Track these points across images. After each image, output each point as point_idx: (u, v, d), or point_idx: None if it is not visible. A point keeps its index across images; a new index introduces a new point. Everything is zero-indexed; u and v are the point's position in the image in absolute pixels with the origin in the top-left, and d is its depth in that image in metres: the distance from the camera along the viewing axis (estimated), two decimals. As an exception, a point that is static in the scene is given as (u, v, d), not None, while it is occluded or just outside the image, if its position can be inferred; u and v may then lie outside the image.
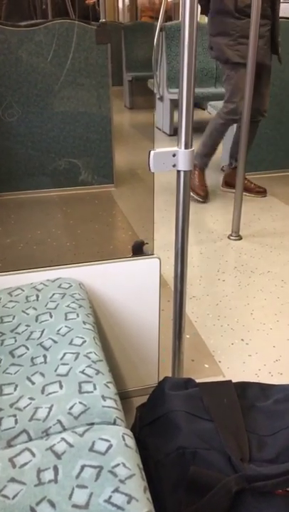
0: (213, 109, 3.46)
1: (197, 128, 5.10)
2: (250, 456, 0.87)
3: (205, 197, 2.80)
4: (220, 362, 1.46)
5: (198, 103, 4.74)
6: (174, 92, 4.18)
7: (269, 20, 2.41)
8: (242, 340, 1.58)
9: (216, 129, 2.67)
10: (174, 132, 4.42)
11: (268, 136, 3.11)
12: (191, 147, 1.10)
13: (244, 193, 2.74)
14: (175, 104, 4.19)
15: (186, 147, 1.10)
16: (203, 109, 4.42)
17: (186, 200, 1.14)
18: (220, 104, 3.37)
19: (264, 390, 1.06)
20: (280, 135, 3.15)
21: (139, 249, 1.18)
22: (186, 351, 1.47)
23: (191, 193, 2.76)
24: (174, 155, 1.10)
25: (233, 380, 1.13)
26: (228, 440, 0.87)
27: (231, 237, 2.35)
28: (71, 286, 1.04)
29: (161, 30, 3.90)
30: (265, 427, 0.96)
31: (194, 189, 2.78)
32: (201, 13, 2.62)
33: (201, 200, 2.78)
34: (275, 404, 1.01)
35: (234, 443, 0.87)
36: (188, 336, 1.58)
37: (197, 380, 1.13)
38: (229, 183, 2.87)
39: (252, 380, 1.18)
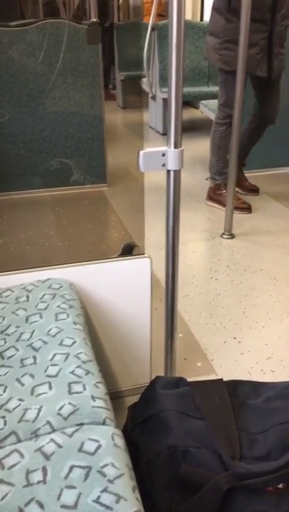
0: (206, 108, 3.46)
1: (191, 127, 5.10)
2: (241, 454, 0.87)
3: (249, 208, 2.63)
4: (212, 360, 1.47)
5: (191, 102, 4.75)
6: (167, 92, 4.19)
7: (267, 27, 2.22)
8: (234, 338, 1.58)
9: (221, 138, 2.52)
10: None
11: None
12: (181, 146, 1.10)
13: (238, 190, 2.75)
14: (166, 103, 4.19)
15: (175, 146, 1.11)
16: (196, 108, 4.41)
17: (176, 199, 1.15)
18: (212, 102, 3.38)
19: (255, 387, 1.07)
20: (273, 134, 3.15)
21: (128, 252, 1.18)
22: (179, 350, 1.47)
23: (235, 211, 2.45)
24: (163, 154, 1.11)
25: (226, 379, 1.14)
26: (219, 438, 0.87)
27: (224, 236, 2.36)
28: (61, 286, 1.04)
29: (153, 29, 3.90)
30: (255, 425, 0.96)
31: (237, 207, 2.51)
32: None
33: (248, 212, 2.62)
34: (266, 401, 1.02)
35: (225, 441, 0.87)
36: (180, 335, 1.58)
37: (189, 379, 1.14)
38: (213, 198, 2.72)
39: (244, 378, 1.18)
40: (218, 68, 2.39)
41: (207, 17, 5.80)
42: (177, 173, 1.12)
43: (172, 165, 1.11)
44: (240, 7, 1.94)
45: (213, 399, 0.98)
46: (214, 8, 2.30)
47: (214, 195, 2.70)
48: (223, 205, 2.49)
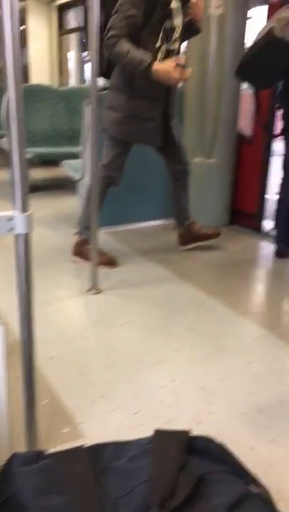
0: (67, 167, 3.55)
1: (55, 185, 5.14)
2: (104, 524, 0.84)
3: (114, 262, 2.70)
4: (80, 424, 1.42)
5: (56, 161, 4.84)
6: (27, 151, 4.22)
7: (162, 103, 2.48)
8: (103, 396, 1.56)
9: (98, 196, 2.50)
10: (31, 190, 4.42)
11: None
12: (28, 210, 1.10)
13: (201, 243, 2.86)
14: (29, 162, 4.21)
15: (23, 211, 1.10)
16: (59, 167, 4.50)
17: (28, 264, 1.13)
18: (72, 162, 3.49)
19: (118, 448, 1.05)
20: (134, 190, 3.31)
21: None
22: (44, 418, 1.41)
23: (102, 267, 2.51)
24: (10, 219, 1.09)
25: (95, 441, 1.10)
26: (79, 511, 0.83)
27: (91, 292, 2.37)
28: None
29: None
30: (119, 488, 0.94)
31: (101, 264, 2.53)
32: (106, 78, 2.60)
33: (113, 267, 2.67)
34: (130, 461, 1.01)
35: (85, 514, 0.83)
36: (46, 401, 1.51)
37: (55, 448, 1.09)
38: (187, 240, 2.91)
39: (113, 437, 1.16)
40: (110, 135, 2.54)
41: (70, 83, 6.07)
42: (26, 236, 1.11)
43: (21, 229, 1.10)
44: (140, 87, 2.34)
45: (75, 469, 0.94)
46: (113, 86, 2.48)
47: (80, 250, 2.72)
48: (89, 259, 2.51)
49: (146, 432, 1.11)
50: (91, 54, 2.10)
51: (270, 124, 3.03)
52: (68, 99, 4.60)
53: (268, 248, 3.08)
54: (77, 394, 1.57)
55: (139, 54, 2.26)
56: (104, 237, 3.03)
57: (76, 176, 3.36)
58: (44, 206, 3.92)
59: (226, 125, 3.22)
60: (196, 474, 0.95)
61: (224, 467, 0.99)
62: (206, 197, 3.30)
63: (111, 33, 2.26)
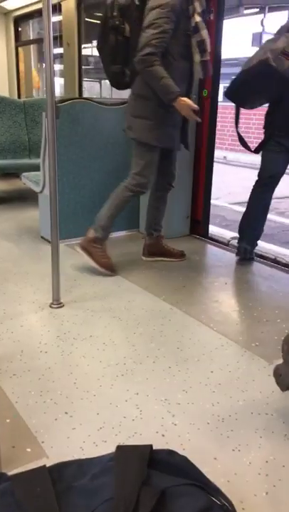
0: (27, 180, 3.52)
1: (15, 197, 5.09)
2: None
3: (114, 269, 2.78)
4: (43, 442, 1.40)
5: (15, 173, 4.78)
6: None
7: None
8: (66, 413, 1.54)
9: (125, 201, 2.70)
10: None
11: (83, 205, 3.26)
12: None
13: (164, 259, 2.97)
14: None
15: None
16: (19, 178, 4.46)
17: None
18: (33, 174, 3.46)
19: (81, 466, 1.05)
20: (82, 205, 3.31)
21: None
22: (6, 438, 1.38)
23: (100, 269, 2.71)
24: None
25: (58, 459, 1.09)
26: (41, 535, 0.82)
27: (53, 306, 2.34)
28: None
29: None
30: (82, 507, 0.93)
31: (102, 265, 2.73)
32: (117, 88, 2.78)
33: (112, 274, 2.74)
34: (92, 479, 1.00)
35: (47, 537, 0.82)
36: (8, 421, 1.48)
37: (18, 469, 1.07)
38: (152, 252, 2.98)
39: (76, 455, 1.15)
40: (139, 142, 2.63)
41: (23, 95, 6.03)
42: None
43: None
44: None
45: (36, 490, 0.92)
46: (139, 95, 2.56)
47: (89, 247, 2.75)
48: (93, 259, 2.72)
49: (110, 447, 1.11)
50: (47, 65, 2.10)
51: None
52: (27, 111, 4.56)
53: (227, 256, 3.14)
54: (40, 412, 1.55)
55: (171, 84, 2.40)
56: (67, 250, 3.02)
57: (36, 188, 3.33)
58: (5, 219, 3.85)
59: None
60: (159, 488, 0.96)
61: (187, 480, 1.00)
62: (168, 207, 3.34)
63: (147, 50, 2.36)
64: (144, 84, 2.52)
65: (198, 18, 2.44)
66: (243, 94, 2.72)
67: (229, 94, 2.76)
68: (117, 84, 2.74)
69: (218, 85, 3.26)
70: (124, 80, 2.65)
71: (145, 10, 2.43)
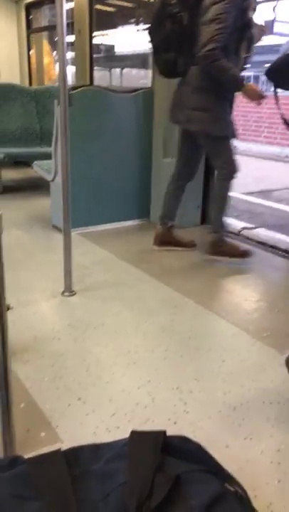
0: (39, 168, 3.52)
1: (27, 186, 5.09)
2: (81, 528, 0.84)
3: (249, 254, 2.85)
4: (57, 427, 1.42)
5: (27, 161, 4.79)
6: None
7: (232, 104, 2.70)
8: (79, 399, 1.56)
9: (228, 190, 2.74)
10: (3, 190, 4.37)
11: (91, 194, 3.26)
12: None
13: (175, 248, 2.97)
14: (1, 163, 4.16)
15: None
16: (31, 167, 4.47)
17: None
18: (45, 162, 3.45)
19: (96, 450, 1.06)
20: (106, 191, 3.32)
21: None
22: (21, 422, 1.40)
23: (243, 259, 2.80)
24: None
25: (72, 444, 1.10)
26: (57, 517, 0.83)
27: (65, 294, 2.36)
28: None
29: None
30: (97, 491, 0.94)
31: (241, 255, 2.81)
32: (167, 77, 2.73)
33: (249, 258, 2.82)
34: (107, 463, 1.01)
35: (63, 519, 0.84)
36: (22, 405, 1.50)
37: (32, 453, 1.08)
38: (163, 241, 2.96)
39: (90, 441, 1.16)
40: (207, 136, 2.64)
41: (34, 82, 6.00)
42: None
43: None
44: (226, 90, 2.55)
45: (51, 474, 0.94)
46: (201, 88, 2.55)
47: (218, 249, 2.81)
48: (230, 255, 2.80)
49: (123, 433, 1.12)
50: (59, 53, 2.09)
51: None
52: (39, 98, 4.55)
53: (240, 247, 3.13)
54: (53, 398, 1.57)
55: (237, 73, 2.50)
56: (78, 238, 3.02)
57: (48, 176, 3.33)
58: (16, 207, 3.87)
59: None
60: (173, 474, 0.97)
61: (200, 466, 1.01)
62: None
63: (213, 45, 2.36)
64: (204, 77, 2.51)
65: (251, 14, 2.46)
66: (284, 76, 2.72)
67: (269, 75, 2.77)
68: (168, 72, 2.69)
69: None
70: (176, 69, 2.62)
71: (204, 1, 2.40)
